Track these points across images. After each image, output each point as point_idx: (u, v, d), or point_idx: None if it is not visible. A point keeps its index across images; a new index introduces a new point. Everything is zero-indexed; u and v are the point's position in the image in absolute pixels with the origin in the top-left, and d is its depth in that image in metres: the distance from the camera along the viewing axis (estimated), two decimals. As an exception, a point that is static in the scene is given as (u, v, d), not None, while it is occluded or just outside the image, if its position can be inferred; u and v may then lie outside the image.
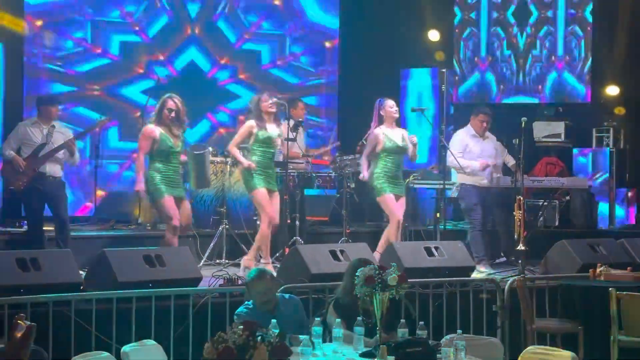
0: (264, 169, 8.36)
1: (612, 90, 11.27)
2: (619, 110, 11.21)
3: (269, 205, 8.36)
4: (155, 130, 7.97)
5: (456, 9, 12.30)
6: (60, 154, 8.44)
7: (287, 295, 5.84)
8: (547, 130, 11.43)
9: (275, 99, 8.54)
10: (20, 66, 10.59)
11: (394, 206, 8.61)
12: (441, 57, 11.89)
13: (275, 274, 7.02)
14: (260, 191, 8.34)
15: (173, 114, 7.99)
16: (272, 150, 8.47)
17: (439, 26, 11.89)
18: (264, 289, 5.57)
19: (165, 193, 7.93)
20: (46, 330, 5.78)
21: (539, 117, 11.55)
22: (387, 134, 8.62)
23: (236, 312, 5.63)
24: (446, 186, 9.49)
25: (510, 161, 10.08)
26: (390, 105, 8.71)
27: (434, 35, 11.83)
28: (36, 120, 8.55)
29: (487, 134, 9.48)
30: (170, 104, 8.03)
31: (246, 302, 5.74)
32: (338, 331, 5.22)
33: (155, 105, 8.24)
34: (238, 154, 8.42)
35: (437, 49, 11.95)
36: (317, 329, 5.11)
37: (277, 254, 8.77)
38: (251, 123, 8.39)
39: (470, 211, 9.26)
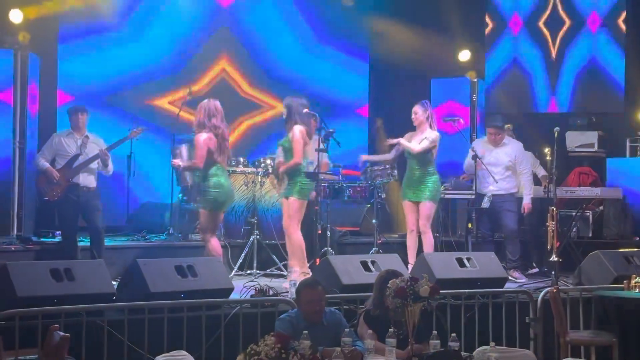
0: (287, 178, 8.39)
1: None
2: None
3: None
4: None
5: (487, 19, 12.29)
6: (94, 164, 8.52)
7: (328, 309, 5.81)
8: (580, 140, 11.34)
9: (306, 111, 8.49)
10: (54, 77, 10.70)
11: (408, 214, 8.85)
12: (473, 77, 11.86)
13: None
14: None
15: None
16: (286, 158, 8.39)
17: (470, 42, 11.88)
18: (315, 298, 5.58)
19: None
20: (79, 341, 5.81)
21: (572, 126, 11.47)
22: (407, 138, 8.82)
23: (279, 317, 5.64)
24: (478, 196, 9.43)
25: (540, 172, 10.01)
26: (413, 111, 8.77)
27: (464, 55, 11.83)
28: (70, 131, 8.64)
29: (507, 140, 9.43)
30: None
31: (289, 311, 5.74)
32: (370, 343, 5.21)
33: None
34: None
35: (469, 67, 11.93)
36: (347, 341, 5.11)
37: (308, 264, 8.75)
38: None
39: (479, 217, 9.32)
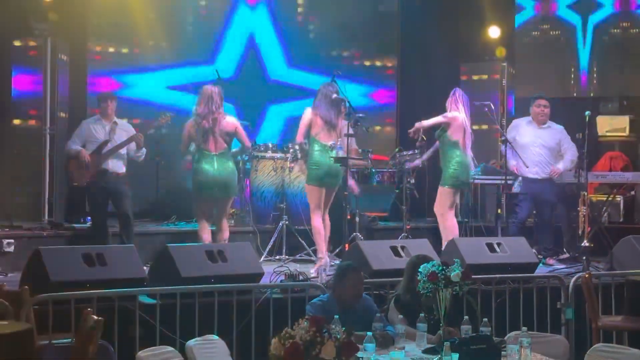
0: None
1: None
2: None
3: None
4: None
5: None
6: (123, 150, 8.55)
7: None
8: (611, 125, 11.22)
9: (335, 96, 8.41)
10: (84, 63, 10.72)
11: None
12: (502, 53, 11.72)
13: None
14: None
15: None
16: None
17: (500, 21, 11.75)
18: (359, 281, 5.58)
19: None
20: (111, 325, 5.85)
21: (603, 111, 11.35)
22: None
23: (310, 302, 5.64)
24: (508, 181, 9.34)
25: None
26: None
27: (494, 31, 11.69)
28: (99, 118, 8.68)
29: (550, 123, 9.32)
30: None
31: (320, 295, 5.73)
32: (400, 327, 5.20)
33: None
34: None
35: (498, 45, 11.79)
36: (378, 326, 5.10)
37: (337, 250, 8.76)
38: None
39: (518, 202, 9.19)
